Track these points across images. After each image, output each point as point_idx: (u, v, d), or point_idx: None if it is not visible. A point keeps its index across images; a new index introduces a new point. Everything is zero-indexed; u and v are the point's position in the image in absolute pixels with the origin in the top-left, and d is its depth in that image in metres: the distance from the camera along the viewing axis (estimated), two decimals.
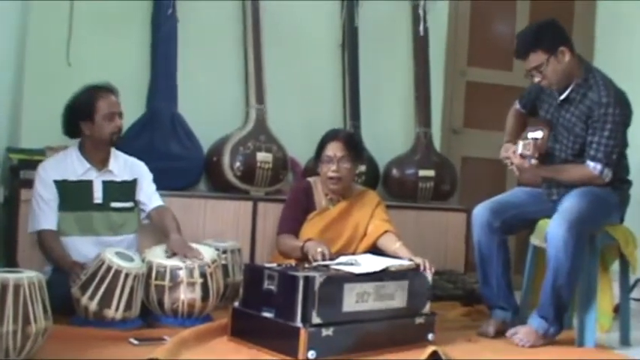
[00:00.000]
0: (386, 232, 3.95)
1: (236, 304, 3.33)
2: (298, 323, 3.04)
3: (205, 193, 4.71)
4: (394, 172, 5.11)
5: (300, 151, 4.79)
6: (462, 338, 3.63)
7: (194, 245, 3.70)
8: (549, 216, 3.67)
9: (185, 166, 4.57)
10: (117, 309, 3.34)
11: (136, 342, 3.17)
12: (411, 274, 3.43)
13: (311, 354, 3.00)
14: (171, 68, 4.64)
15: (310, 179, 4.19)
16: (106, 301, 3.33)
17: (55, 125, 3.82)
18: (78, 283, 3.36)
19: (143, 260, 3.52)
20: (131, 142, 4.19)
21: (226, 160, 4.57)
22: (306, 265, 3.42)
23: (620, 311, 3.91)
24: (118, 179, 3.86)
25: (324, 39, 5.19)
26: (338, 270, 3.31)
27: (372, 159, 5.06)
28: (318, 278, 3.08)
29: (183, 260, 3.53)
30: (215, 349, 3.15)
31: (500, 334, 3.74)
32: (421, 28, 5.29)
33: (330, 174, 4.00)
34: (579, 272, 3.58)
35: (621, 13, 5.55)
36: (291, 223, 4.04)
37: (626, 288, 3.91)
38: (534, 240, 3.92)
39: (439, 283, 4.56)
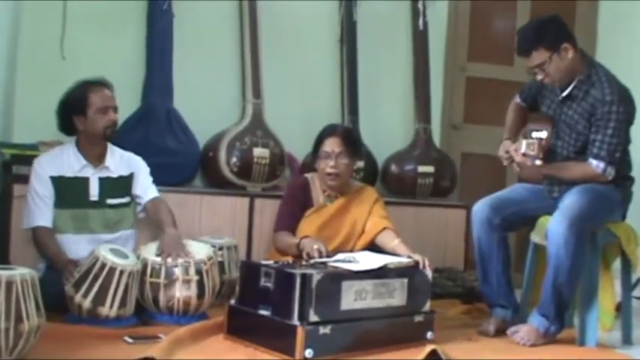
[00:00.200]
0: (384, 229, 3.94)
1: (232, 301, 3.32)
2: (295, 321, 3.03)
3: (201, 189, 4.71)
4: (393, 168, 5.11)
5: (298, 147, 4.78)
6: (461, 337, 3.62)
7: (189, 242, 3.70)
8: (550, 213, 3.66)
9: (181, 162, 4.57)
10: (111, 306, 3.33)
11: (130, 340, 3.16)
12: (410, 271, 3.42)
13: (308, 352, 3.00)
14: (167, 63, 4.64)
15: (307, 175, 4.18)
16: (100, 299, 3.32)
17: (49, 120, 3.82)
18: (71, 281, 3.35)
19: (138, 257, 3.50)
20: (126, 137, 4.17)
21: (222, 155, 4.56)
22: (304, 263, 3.41)
23: (622, 310, 3.90)
24: (115, 175, 3.85)
25: (323, 33, 5.18)
26: (336, 267, 3.30)
27: (370, 155, 5.05)
28: (316, 276, 3.07)
29: (167, 260, 3.51)
30: (211, 348, 3.14)
31: (500, 332, 3.74)
32: (420, 22, 5.29)
33: (328, 170, 3.98)
34: (580, 270, 3.58)
35: (623, 13, 5.53)
36: (288, 220, 4.03)
37: (627, 286, 3.90)
38: (535, 237, 3.91)
39: (439, 280, 4.55)
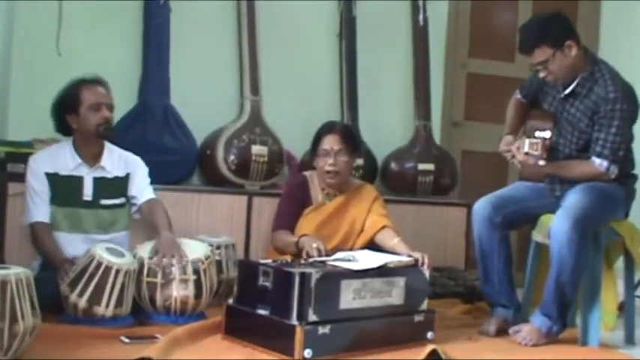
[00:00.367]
0: (384, 227, 3.93)
1: (230, 301, 3.32)
2: (294, 321, 3.03)
3: (199, 187, 4.70)
4: (393, 165, 5.10)
5: (297, 144, 4.77)
6: (462, 337, 3.62)
7: (186, 241, 3.69)
8: (552, 211, 3.66)
9: (178, 160, 4.56)
10: (107, 306, 3.32)
11: (127, 340, 3.15)
12: (408, 270, 3.41)
13: (307, 353, 2.99)
14: (164, 59, 4.63)
15: (306, 173, 4.17)
16: (95, 298, 3.31)
17: (44, 117, 3.81)
18: (66, 281, 3.34)
19: (134, 256, 3.50)
20: (122, 135, 4.16)
21: (220, 153, 4.56)
22: (303, 261, 3.41)
23: (625, 309, 3.90)
24: (110, 175, 3.84)
25: (322, 29, 5.17)
26: (335, 266, 3.29)
27: (370, 152, 5.05)
28: (315, 274, 3.06)
29: (169, 261, 3.50)
30: (208, 348, 3.14)
31: (501, 332, 3.73)
32: (421, 18, 5.29)
33: (327, 168, 3.98)
34: (583, 269, 3.57)
35: (626, 14, 5.53)
36: (287, 219, 4.02)
37: (631, 285, 3.90)
38: (536, 236, 3.91)
39: (439, 279, 4.55)
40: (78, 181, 3.76)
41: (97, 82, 3.78)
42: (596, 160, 3.61)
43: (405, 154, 5.13)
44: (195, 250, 3.61)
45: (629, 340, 3.84)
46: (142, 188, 3.92)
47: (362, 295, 3.21)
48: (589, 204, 3.52)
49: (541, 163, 3.59)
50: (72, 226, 3.74)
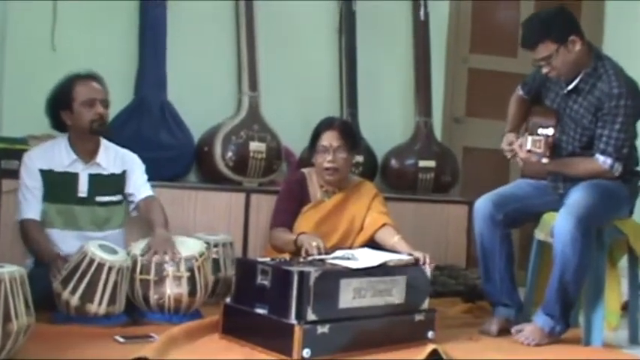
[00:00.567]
0: (384, 225, 3.93)
1: (228, 300, 3.31)
2: (292, 320, 3.01)
3: (196, 184, 4.70)
4: (393, 162, 5.10)
5: (295, 141, 4.76)
6: (463, 336, 3.61)
7: (181, 238, 3.68)
8: (554, 209, 3.65)
9: (175, 156, 4.56)
10: (100, 304, 3.31)
11: (122, 340, 3.14)
12: (410, 269, 3.40)
13: (306, 352, 2.98)
14: (160, 54, 4.63)
15: (304, 170, 4.17)
16: (88, 296, 3.30)
17: (39, 113, 3.80)
18: (58, 278, 3.33)
19: (128, 253, 3.49)
20: (118, 131, 4.15)
21: (218, 149, 4.55)
22: (301, 260, 3.40)
23: (629, 309, 3.90)
24: (106, 172, 3.83)
25: (321, 24, 5.16)
26: (334, 264, 3.28)
27: (369, 149, 5.04)
28: (314, 273, 3.05)
29: (161, 257, 3.49)
30: (206, 348, 3.13)
31: (503, 332, 3.72)
32: (422, 12, 5.28)
33: (326, 165, 3.97)
34: (587, 268, 3.56)
35: (630, 13, 5.52)
36: (285, 217, 4.02)
37: (635, 284, 3.89)
38: (539, 234, 3.90)
39: (440, 278, 4.55)
40: (73, 177, 3.76)
41: (91, 77, 3.76)
42: (600, 158, 3.60)
43: (406, 151, 5.12)
44: (189, 247, 3.60)
45: (634, 340, 3.84)
46: (139, 186, 3.92)
47: (362, 295, 3.20)
48: (592, 202, 3.51)
49: (544, 160, 3.58)
50: (66, 223, 3.73)
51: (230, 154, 4.56)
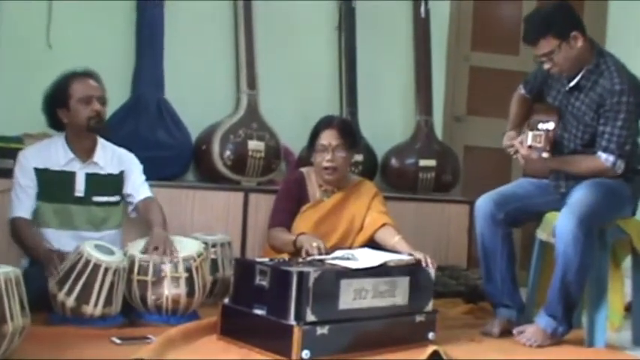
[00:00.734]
0: (384, 225, 3.92)
1: (226, 300, 3.30)
2: (291, 321, 3.01)
3: (194, 183, 4.69)
4: (393, 161, 5.09)
5: (294, 140, 4.75)
6: (464, 337, 3.61)
7: (179, 238, 3.68)
8: (557, 208, 3.64)
9: (172, 155, 4.55)
10: (96, 305, 3.30)
11: (118, 341, 3.14)
12: (412, 269, 3.40)
13: (305, 354, 2.98)
14: (158, 51, 4.62)
15: (303, 170, 4.16)
16: (84, 297, 3.29)
17: (34, 111, 3.79)
18: (55, 276, 3.33)
19: (125, 254, 3.48)
20: (115, 130, 4.15)
21: (216, 148, 4.54)
22: (300, 260, 3.40)
23: (633, 309, 3.89)
24: (103, 172, 3.83)
25: (320, 21, 5.16)
26: (334, 265, 3.28)
27: (369, 148, 5.04)
28: (313, 273, 3.05)
29: (160, 256, 3.48)
30: (203, 349, 3.12)
31: (505, 333, 3.71)
32: (422, 9, 5.27)
33: (325, 164, 3.97)
34: (589, 269, 3.55)
35: (633, 14, 5.51)
36: (283, 217, 4.01)
37: (638, 285, 3.87)
38: (541, 234, 3.89)
39: (441, 279, 4.54)
40: (70, 176, 3.75)
41: (87, 74, 3.76)
42: (602, 155, 3.59)
43: (406, 150, 5.12)
44: (187, 247, 3.60)
45: (637, 342, 3.83)
46: (137, 186, 3.92)
47: (362, 295, 3.20)
48: (594, 201, 3.51)
49: (544, 155, 3.58)
50: (62, 223, 3.72)
51: (228, 152, 4.55)
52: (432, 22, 5.30)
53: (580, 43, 3.59)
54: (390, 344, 3.26)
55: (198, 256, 3.56)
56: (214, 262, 3.93)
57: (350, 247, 3.79)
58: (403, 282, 3.33)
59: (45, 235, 3.68)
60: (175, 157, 4.57)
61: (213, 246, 3.98)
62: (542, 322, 3.61)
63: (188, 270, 3.50)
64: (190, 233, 4.00)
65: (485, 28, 5.63)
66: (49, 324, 3.29)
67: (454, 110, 5.59)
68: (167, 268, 3.46)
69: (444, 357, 3.14)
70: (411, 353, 3.22)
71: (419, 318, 3.37)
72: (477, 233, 3.86)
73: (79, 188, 3.76)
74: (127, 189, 3.90)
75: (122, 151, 3.94)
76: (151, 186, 3.98)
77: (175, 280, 3.47)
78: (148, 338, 3.14)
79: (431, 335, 3.39)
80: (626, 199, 3.70)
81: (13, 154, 3.82)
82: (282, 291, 3.04)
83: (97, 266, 3.31)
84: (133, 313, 3.48)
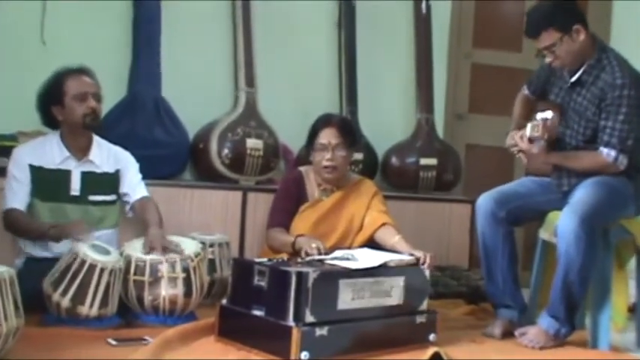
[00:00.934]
0: (384, 224, 3.92)
1: (224, 301, 3.29)
2: (290, 322, 3.00)
3: (191, 182, 4.69)
4: (394, 160, 5.10)
5: (293, 138, 4.75)
6: (465, 339, 3.60)
7: (176, 238, 3.67)
8: (559, 207, 3.64)
9: (169, 154, 4.55)
10: (91, 305, 3.30)
11: (114, 342, 3.13)
12: (408, 269, 3.39)
13: (304, 355, 2.97)
14: (155, 48, 4.61)
15: (302, 169, 4.16)
16: (79, 298, 3.29)
17: (28, 109, 3.79)
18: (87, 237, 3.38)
19: (121, 254, 3.48)
20: (111, 128, 4.15)
21: (214, 147, 4.54)
22: (299, 260, 3.39)
23: (637, 311, 3.89)
24: (99, 170, 3.82)
25: (320, 18, 5.16)
26: (333, 265, 3.27)
27: (369, 146, 5.04)
28: (312, 274, 3.04)
29: (162, 255, 3.48)
30: (201, 350, 3.12)
31: (507, 334, 3.71)
32: (423, 5, 5.28)
33: (325, 163, 3.96)
34: (592, 269, 3.54)
35: (638, 13, 5.52)
36: (282, 216, 4.01)
37: None
38: (543, 234, 3.89)
39: (442, 279, 4.55)
40: (65, 175, 3.75)
41: (82, 71, 3.76)
42: (604, 150, 3.58)
43: (407, 149, 5.12)
44: (185, 247, 3.59)
45: None
46: (134, 185, 3.91)
47: (361, 296, 3.19)
48: (597, 200, 3.50)
49: (542, 144, 3.58)
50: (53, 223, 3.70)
51: (226, 151, 4.55)
52: (433, 18, 5.30)
53: (582, 36, 3.60)
54: (390, 345, 3.25)
55: (196, 256, 3.56)
56: (212, 262, 3.93)
57: (349, 247, 3.79)
58: (399, 282, 3.33)
59: None
60: (172, 155, 4.57)
61: (211, 246, 3.97)
62: (545, 323, 3.60)
63: (185, 270, 3.49)
64: (188, 233, 3.99)
65: (487, 24, 5.63)
66: (43, 325, 3.29)
67: (455, 108, 5.59)
68: (164, 269, 3.46)
69: (445, 358, 3.13)
70: (411, 354, 3.22)
71: (419, 319, 3.37)
72: (478, 232, 3.86)
73: (75, 187, 3.75)
74: (123, 188, 3.90)
75: (118, 150, 3.93)
76: (147, 185, 3.98)
77: (172, 280, 3.46)
78: (145, 339, 3.14)
79: (432, 336, 3.38)
80: (629, 198, 3.69)
81: (7, 152, 3.81)
82: (281, 291, 3.04)
83: (92, 266, 3.30)
84: (129, 313, 3.48)
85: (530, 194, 3.85)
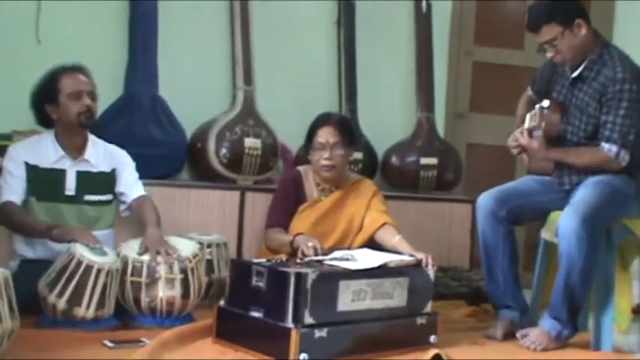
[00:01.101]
0: (384, 224, 3.92)
1: (221, 302, 3.29)
2: (289, 324, 3.00)
3: (189, 182, 4.69)
4: (394, 159, 5.09)
5: (292, 137, 4.75)
6: (467, 340, 3.60)
7: (173, 238, 3.67)
8: (560, 207, 3.63)
9: (166, 153, 4.55)
10: (88, 307, 3.30)
11: (110, 344, 3.12)
12: (411, 270, 3.39)
13: (303, 357, 2.97)
14: (151, 47, 4.61)
15: (300, 168, 4.16)
16: (75, 299, 3.28)
17: (23, 108, 3.78)
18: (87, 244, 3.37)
19: (118, 255, 3.48)
20: (107, 127, 4.15)
21: (211, 146, 4.54)
22: (298, 261, 3.39)
23: None
24: (95, 170, 3.82)
25: (319, 15, 5.16)
26: (332, 266, 3.27)
27: (369, 146, 5.04)
28: (311, 275, 3.04)
29: (156, 258, 3.47)
30: (199, 352, 3.12)
31: (508, 336, 3.71)
32: (424, 3, 5.28)
33: (323, 162, 3.96)
34: (594, 269, 3.54)
35: None
36: (280, 217, 4.01)
37: None
38: (545, 234, 3.89)
39: (442, 280, 4.54)
40: (60, 174, 3.74)
41: (76, 69, 3.75)
42: (605, 146, 3.58)
43: (407, 148, 5.12)
44: (182, 248, 3.59)
45: None
46: (130, 184, 3.91)
47: (361, 297, 3.19)
48: (598, 200, 3.50)
49: (539, 133, 3.58)
50: (53, 222, 3.70)
51: (224, 150, 4.54)
52: (434, 16, 5.31)
53: (584, 31, 3.60)
54: (390, 347, 3.25)
55: (194, 257, 3.56)
56: (210, 263, 3.93)
57: (349, 248, 3.80)
58: (402, 283, 3.32)
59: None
60: (170, 155, 4.57)
61: (209, 246, 3.97)
62: (547, 324, 3.60)
63: (183, 271, 3.49)
64: (185, 233, 3.99)
65: (488, 21, 5.63)
66: (38, 327, 3.28)
67: (456, 107, 5.59)
68: (161, 270, 3.46)
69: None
70: (412, 356, 3.22)
71: (420, 320, 3.37)
72: (478, 231, 3.85)
73: (70, 187, 3.75)
74: (120, 187, 3.89)
75: (114, 148, 3.93)
76: (144, 185, 3.97)
77: (170, 281, 3.46)
78: (142, 341, 3.13)
79: (432, 338, 3.38)
80: (632, 197, 3.68)
81: (1, 151, 3.81)
82: (280, 293, 3.04)
83: (89, 267, 3.30)
84: (126, 315, 3.48)
85: (531, 193, 3.84)
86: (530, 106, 3.97)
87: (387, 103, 5.35)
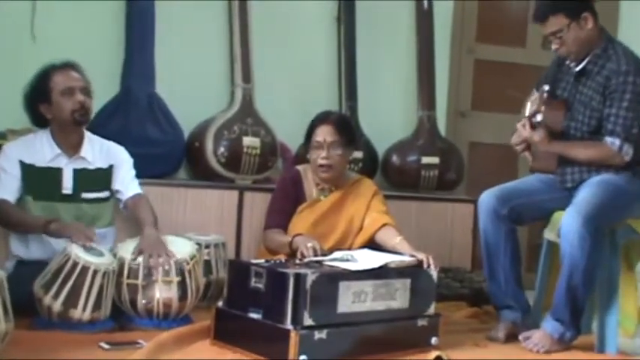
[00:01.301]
0: (384, 225, 3.92)
1: (220, 304, 3.30)
2: (288, 325, 3.00)
3: (186, 181, 4.69)
4: (394, 159, 5.09)
5: (291, 136, 4.74)
6: (468, 342, 3.60)
7: (171, 238, 3.67)
8: (563, 206, 3.62)
9: (164, 152, 4.54)
10: (84, 309, 3.29)
11: (107, 346, 3.12)
12: (413, 271, 3.39)
13: (302, 359, 2.97)
14: (148, 44, 4.61)
15: (300, 167, 4.15)
16: (71, 301, 3.28)
17: (18, 106, 3.78)
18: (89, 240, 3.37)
19: (115, 256, 3.47)
20: (103, 126, 4.14)
21: (209, 145, 4.54)
22: (298, 262, 3.39)
23: None
24: (92, 167, 3.81)
25: (319, 12, 5.15)
26: (332, 267, 3.27)
27: (370, 145, 5.03)
28: (311, 275, 3.04)
29: (155, 260, 3.47)
30: (196, 354, 3.12)
31: (511, 337, 3.70)
32: (425, 1, 5.26)
33: (320, 161, 3.96)
34: (596, 271, 3.54)
35: None
36: (279, 217, 4.01)
37: None
38: (548, 234, 3.89)
39: (444, 281, 4.54)
40: (56, 173, 3.73)
41: (68, 66, 3.74)
42: (608, 139, 3.58)
43: (408, 147, 5.12)
44: (180, 248, 3.59)
45: None
46: (127, 182, 3.90)
47: (362, 298, 3.19)
48: (601, 200, 3.50)
49: (538, 118, 3.58)
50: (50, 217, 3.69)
51: (222, 149, 4.54)
52: (435, 13, 5.30)
53: (590, 24, 3.63)
54: (391, 349, 3.25)
55: (191, 258, 3.55)
56: (208, 263, 3.92)
57: (349, 248, 3.79)
58: (404, 284, 3.32)
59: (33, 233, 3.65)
60: (167, 154, 4.57)
61: (207, 247, 3.97)
62: (549, 326, 3.60)
63: (180, 273, 3.48)
64: (183, 234, 3.99)
65: (490, 19, 5.62)
66: (33, 329, 3.28)
67: (458, 105, 5.59)
68: (158, 272, 3.45)
69: None
70: (413, 358, 3.21)
71: (421, 322, 3.37)
72: (480, 230, 3.86)
73: (67, 185, 3.74)
74: (116, 185, 3.88)
75: (111, 144, 3.92)
76: (141, 184, 3.97)
77: (167, 283, 3.45)
78: (139, 343, 3.13)
79: (434, 340, 3.38)
80: (635, 197, 3.68)
81: None
82: (279, 294, 3.04)
83: (85, 269, 3.29)
84: (122, 317, 3.47)
85: (533, 192, 3.84)
86: None
87: (388, 101, 5.35)
